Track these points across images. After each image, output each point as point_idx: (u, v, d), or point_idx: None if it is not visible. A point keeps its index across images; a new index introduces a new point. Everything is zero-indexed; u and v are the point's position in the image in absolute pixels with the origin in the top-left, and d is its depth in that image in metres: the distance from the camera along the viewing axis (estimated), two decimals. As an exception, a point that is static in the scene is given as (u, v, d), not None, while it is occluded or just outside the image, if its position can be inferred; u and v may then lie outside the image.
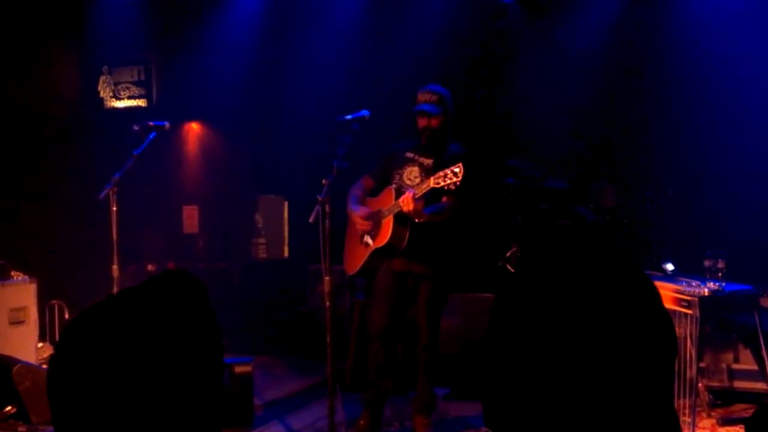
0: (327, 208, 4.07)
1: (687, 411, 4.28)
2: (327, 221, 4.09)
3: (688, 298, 4.24)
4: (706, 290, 4.23)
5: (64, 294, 6.37)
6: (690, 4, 6.52)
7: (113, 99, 8.20)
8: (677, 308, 4.31)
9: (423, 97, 4.48)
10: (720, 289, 4.28)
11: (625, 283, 1.01)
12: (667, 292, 4.38)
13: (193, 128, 8.38)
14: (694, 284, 4.33)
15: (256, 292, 7.66)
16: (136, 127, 4.89)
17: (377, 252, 4.40)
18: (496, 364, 1.02)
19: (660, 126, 6.60)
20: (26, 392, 4.49)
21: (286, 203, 8.26)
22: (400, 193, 4.32)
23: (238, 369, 4.90)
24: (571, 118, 6.71)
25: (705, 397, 4.82)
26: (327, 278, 4.07)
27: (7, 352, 4.96)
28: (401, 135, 4.74)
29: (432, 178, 4.14)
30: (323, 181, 4.12)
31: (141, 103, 8.09)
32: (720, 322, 4.71)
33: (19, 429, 4.31)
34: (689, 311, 4.23)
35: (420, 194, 4.17)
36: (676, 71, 6.46)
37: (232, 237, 8.26)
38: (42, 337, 5.87)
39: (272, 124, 7.76)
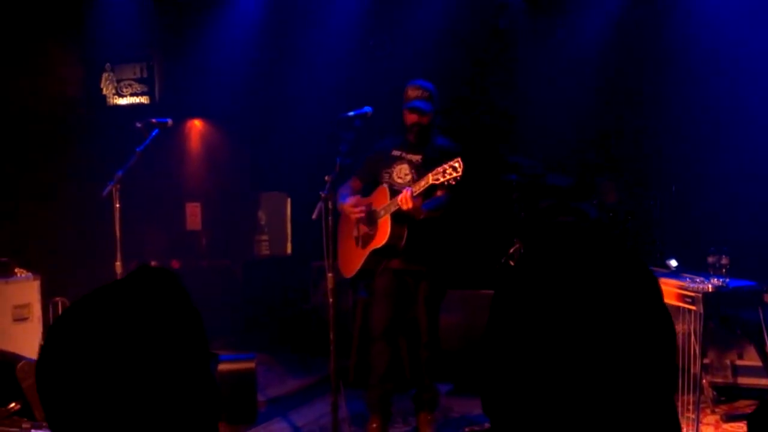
0: (330, 205, 4.07)
1: (691, 407, 4.27)
2: (330, 218, 4.09)
3: (692, 294, 4.23)
4: (709, 286, 4.22)
5: (67, 291, 6.37)
6: (691, 4, 6.51)
7: (116, 96, 8.20)
8: (681, 304, 4.30)
9: (414, 93, 4.45)
10: (724, 285, 4.27)
11: (625, 278, 1.01)
12: (670, 288, 4.37)
13: (196, 125, 8.38)
14: (697, 280, 4.32)
15: (258, 289, 7.67)
16: (138, 124, 4.89)
17: (376, 252, 4.37)
18: (496, 356, 1.02)
19: (663, 123, 6.59)
20: (30, 389, 4.49)
21: (289, 200, 8.26)
22: (394, 191, 4.30)
23: (241, 366, 4.91)
24: (573, 115, 6.70)
25: (709, 393, 4.82)
26: (330, 275, 4.07)
27: (11, 348, 4.96)
28: (383, 133, 4.69)
29: (430, 175, 4.10)
30: (326, 178, 4.12)
31: (144, 100, 8.09)
32: (724, 319, 4.70)
33: (24, 425, 4.32)
34: (693, 307, 4.22)
35: (418, 192, 4.15)
36: (677, 68, 6.44)
37: (234, 234, 8.27)
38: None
39: (275, 121, 7.76)
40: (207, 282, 7.66)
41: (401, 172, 4.45)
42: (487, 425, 4.58)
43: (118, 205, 4.61)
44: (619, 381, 0.96)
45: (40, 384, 1.05)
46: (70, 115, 7.78)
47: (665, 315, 1.02)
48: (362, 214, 4.42)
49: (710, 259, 4.71)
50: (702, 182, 6.21)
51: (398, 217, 4.26)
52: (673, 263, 4.76)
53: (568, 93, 6.66)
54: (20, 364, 4.59)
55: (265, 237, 8.32)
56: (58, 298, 6.32)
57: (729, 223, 5.86)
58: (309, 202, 4.57)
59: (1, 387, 4.47)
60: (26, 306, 5.59)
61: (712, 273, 4.54)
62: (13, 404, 4.49)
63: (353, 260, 4.49)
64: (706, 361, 4.83)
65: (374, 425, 4.53)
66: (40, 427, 4.14)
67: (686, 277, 4.43)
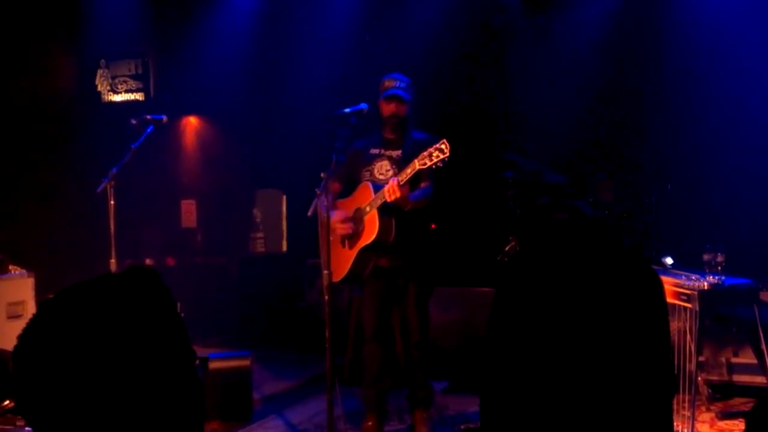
0: (325, 202, 4.06)
1: (686, 405, 4.27)
2: (326, 215, 4.08)
3: (688, 291, 4.23)
4: (705, 284, 4.23)
5: (61, 288, 6.36)
6: (689, 3, 6.50)
7: (110, 93, 8.17)
8: (677, 302, 4.30)
9: (391, 83, 4.41)
10: (719, 282, 4.27)
11: (624, 276, 1.00)
12: (666, 285, 4.37)
13: (191, 122, 8.35)
14: (693, 278, 4.32)
15: (254, 286, 7.66)
16: (133, 121, 4.87)
17: (365, 249, 4.30)
18: (499, 357, 1.01)
19: (659, 120, 6.59)
20: (24, 387, 4.47)
21: (285, 197, 8.25)
22: (377, 187, 4.25)
23: (237, 363, 4.90)
24: (569, 113, 6.70)
25: (704, 391, 4.83)
26: (326, 272, 4.05)
27: (5, 346, 4.93)
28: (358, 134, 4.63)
29: (416, 161, 4.05)
30: (322, 175, 4.10)
31: (138, 96, 8.06)
32: (719, 316, 4.70)
33: (17, 423, 4.31)
34: (688, 305, 4.22)
35: (404, 180, 4.10)
36: (675, 66, 6.44)
37: (230, 231, 8.25)
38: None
39: (270, 117, 7.74)
40: (202, 279, 7.65)
41: (382, 169, 4.41)
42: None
43: (112, 202, 4.59)
44: (620, 379, 0.95)
45: (16, 377, 1.03)
46: (64, 111, 7.76)
47: (663, 313, 1.02)
48: (349, 231, 4.36)
49: (706, 257, 4.71)
50: (698, 180, 6.22)
51: (385, 210, 4.21)
52: (669, 261, 4.76)
53: (564, 90, 6.65)
54: (14, 361, 4.57)
55: (260, 234, 8.31)
56: (52, 296, 6.29)
57: (724, 221, 5.87)
58: (305, 199, 4.56)
59: (-5, 385, 4.45)
60: (20, 303, 5.57)
61: (707, 271, 4.54)
62: (7, 402, 4.47)
63: (341, 263, 4.40)
64: (701, 358, 4.83)
65: (370, 423, 4.52)
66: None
67: (682, 275, 4.43)
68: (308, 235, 4.68)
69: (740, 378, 4.94)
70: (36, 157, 7.30)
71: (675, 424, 4.35)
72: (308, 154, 6.00)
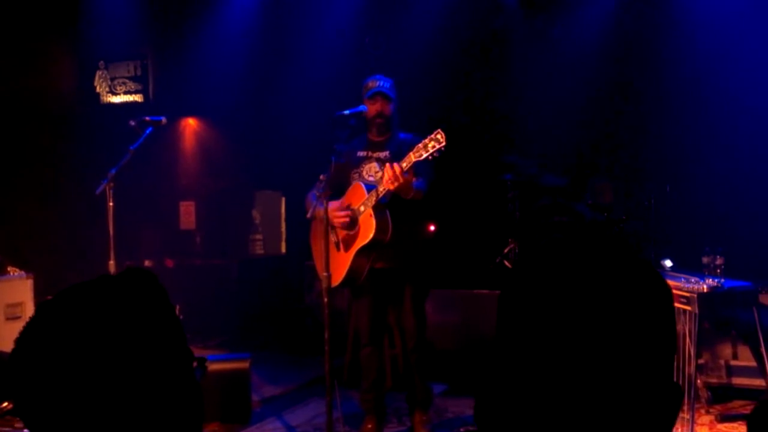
0: (324, 204, 4.04)
1: (685, 408, 4.26)
2: (325, 217, 4.06)
3: (687, 294, 4.23)
4: (704, 287, 4.22)
5: (60, 290, 6.35)
6: (688, 3, 6.50)
7: (109, 94, 8.17)
8: (676, 305, 4.29)
9: (375, 83, 4.40)
10: (719, 285, 4.27)
11: (633, 281, 0.99)
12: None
13: (190, 124, 8.35)
14: (692, 281, 4.31)
15: (253, 288, 7.65)
16: (132, 123, 4.86)
17: (362, 250, 4.25)
18: (504, 362, 1.00)
19: (658, 122, 6.60)
20: (22, 388, 4.47)
21: (284, 199, 8.25)
22: (369, 187, 4.19)
23: (236, 365, 4.89)
24: (569, 115, 6.70)
25: (703, 393, 4.82)
26: (325, 274, 4.04)
27: (4, 347, 4.93)
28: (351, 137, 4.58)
29: (412, 153, 3.97)
30: (321, 177, 4.08)
31: (137, 98, 8.06)
32: (719, 319, 4.70)
33: (16, 425, 4.30)
34: (688, 308, 4.22)
35: (407, 167, 4.00)
36: (674, 68, 6.45)
37: (229, 233, 8.25)
38: (38, 333, 5.84)
39: (269, 119, 7.74)
40: (201, 281, 7.64)
41: (371, 170, 4.38)
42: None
43: (111, 204, 4.58)
44: (623, 387, 0.95)
45: (13, 379, 1.03)
46: (63, 113, 7.75)
47: (670, 317, 1.01)
48: (346, 219, 4.27)
49: (705, 260, 4.71)
50: (697, 182, 6.22)
51: (380, 209, 4.16)
52: (668, 263, 4.76)
53: (563, 93, 6.66)
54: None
55: (259, 236, 8.30)
56: (50, 297, 6.29)
57: (724, 224, 5.87)
58: (304, 201, 4.56)
59: (-7, 386, 4.44)
60: (19, 305, 5.56)
61: (706, 273, 4.54)
62: (5, 404, 4.46)
63: (337, 266, 4.32)
64: (700, 361, 4.83)
65: (369, 426, 4.51)
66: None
67: (681, 278, 4.42)
68: (307, 236, 4.66)
69: (739, 381, 4.93)
70: (35, 159, 7.29)
71: (674, 427, 4.34)
72: (307, 155, 5.98)
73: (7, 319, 5.47)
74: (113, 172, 4.57)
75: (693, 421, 4.29)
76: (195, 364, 1.15)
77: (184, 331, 1.09)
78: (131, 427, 1.00)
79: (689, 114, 6.34)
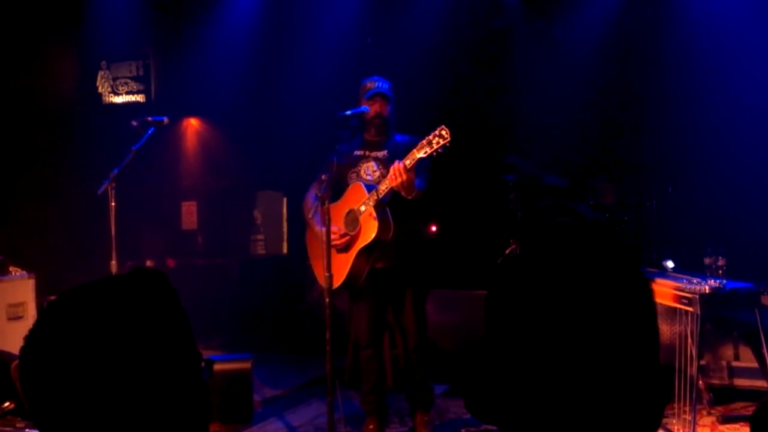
0: (326, 204, 4.04)
1: (687, 409, 4.26)
2: (327, 214, 4.06)
3: (689, 295, 4.22)
4: (706, 288, 4.21)
5: (62, 289, 6.32)
6: (689, 3, 6.50)
7: (111, 94, 8.18)
8: (678, 305, 4.29)
9: (374, 84, 4.40)
10: (721, 286, 4.26)
11: (617, 281, 1.00)
12: (667, 289, 4.36)
13: (192, 124, 8.36)
14: (694, 281, 4.31)
15: (254, 288, 7.65)
16: (134, 123, 4.86)
17: (364, 250, 4.25)
18: (492, 358, 1.01)
19: (660, 123, 6.59)
20: (24, 388, 4.46)
21: (285, 199, 8.24)
22: (369, 187, 4.19)
23: (237, 366, 4.89)
24: (570, 115, 6.70)
25: (705, 394, 4.81)
26: (327, 275, 4.03)
27: (6, 347, 4.93)
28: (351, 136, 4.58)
29: (416, 150, 3.97)
30: (323, 177, 4.09)
31: (139, 98, 8.07)
32: (720, 320, 4.70)
33: (17, 425, 4.30)
34: (690, 308, 4.21)
35: (411, 164, 3.99)
36: (675, 68, 6.44)
37: (230, 233, 8.25)
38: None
39: (271, 119, 7.74)
40: (203, 281, 7.64)
41: (369, 170, 4.38)
42: (484, 427, 4.57)
43: (113, 204, 4.58)
44: (608, 383, 0.96)
45: (23, 379, 1.03)
46: (65, 113, 7.76)
47: (653, 320, 1.02)
48: (343, 245, 4.30)
49: (707, 261, 4.71)
50: (699, 183, 6.21)
51: (381, 208, 4.16)
52: (670, 264, 4.75)
53: (565, 93, 6.65)
54: (15, 363, 4.56)
55: (260, 236, 8.30)
56: (53, 297, 6.29)
57: (726, 225, 5.86)
58: (302, 201, 4.56)
59: (-5, 386, 4.44)
60: (21, 305, 5.57)
61: (708, 274, 4.54)
62: (7, 403, 4.46)
63: (339, 267, 4.30)
64: (702, 362, 4.82)
65: (371, 426, 4.51)
66: (34, 427, 4.12)
67: (683, 279, 4.42)
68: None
69: (741, 382, 4.93)
70: (37, 159, 7.30)
71: (676, 428, 4.34)
72: (309, 156, 5.98)
73: (9, 319, 5.48)
74: (115, 172, 4.57)
75: (695, 423, 4.29)
76: (203, 364, 1.15)
77: (192, 331, 1.10)
78: (140, 427, 1.00)
79: (690, 114, 6.33)
